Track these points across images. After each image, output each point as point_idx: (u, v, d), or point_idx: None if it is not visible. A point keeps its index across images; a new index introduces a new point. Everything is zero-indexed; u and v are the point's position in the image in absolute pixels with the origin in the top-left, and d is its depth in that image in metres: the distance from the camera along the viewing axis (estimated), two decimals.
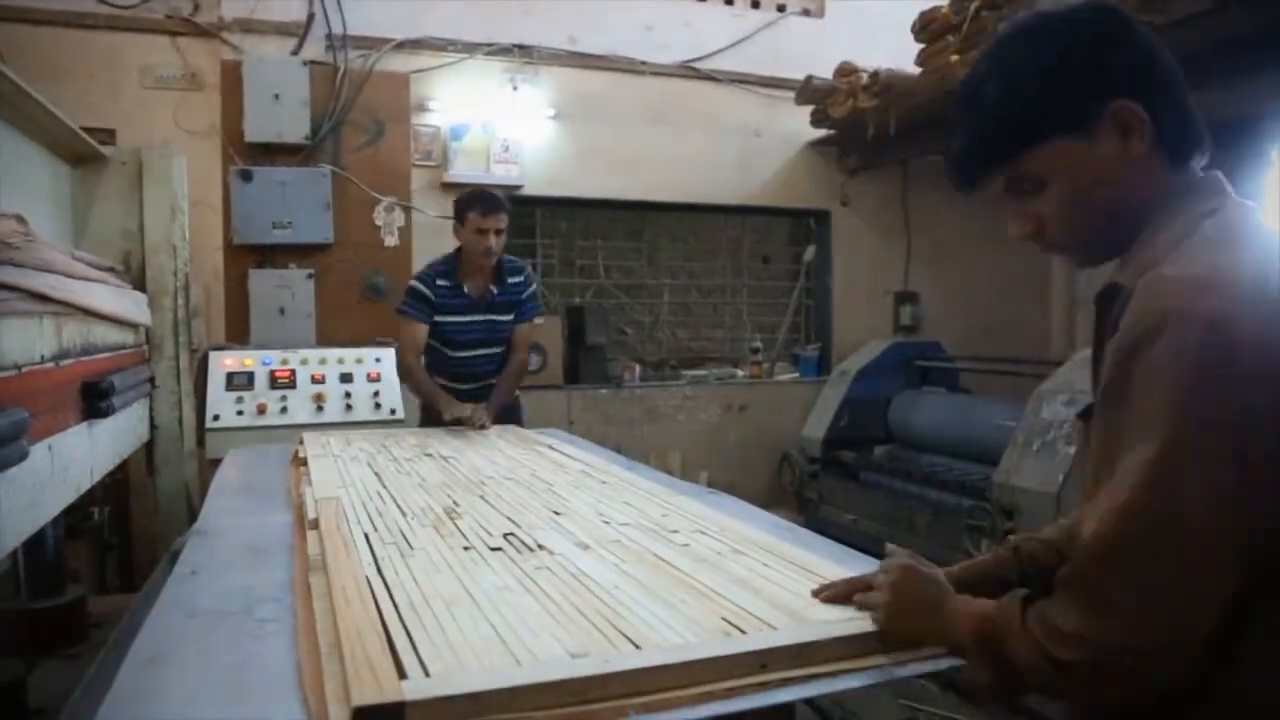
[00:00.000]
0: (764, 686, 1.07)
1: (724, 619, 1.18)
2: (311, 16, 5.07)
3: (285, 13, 5.06)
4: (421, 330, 3.58)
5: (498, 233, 3.46)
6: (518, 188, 5.51)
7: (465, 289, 3.60)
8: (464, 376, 3.69)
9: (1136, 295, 1.00)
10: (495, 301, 3.63)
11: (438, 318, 3.57)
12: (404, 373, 3.79)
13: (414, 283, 3.61)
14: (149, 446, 3.50)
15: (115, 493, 3.84)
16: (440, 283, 3.57)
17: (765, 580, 1.37)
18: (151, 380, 3.35)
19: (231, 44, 4.95)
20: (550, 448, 2.81)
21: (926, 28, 4.91)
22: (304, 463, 2.50)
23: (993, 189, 1.15)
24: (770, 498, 5.47)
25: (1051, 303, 7.31)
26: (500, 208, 3.46)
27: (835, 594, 1.24)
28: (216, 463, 2.96)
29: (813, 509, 5.37)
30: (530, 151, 5.54)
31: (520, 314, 3.70)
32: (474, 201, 3.47)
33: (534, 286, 3.74)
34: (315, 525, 1.71)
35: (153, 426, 3.47)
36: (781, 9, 6.28)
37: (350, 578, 1.35)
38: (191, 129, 4.88)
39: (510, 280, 3.64)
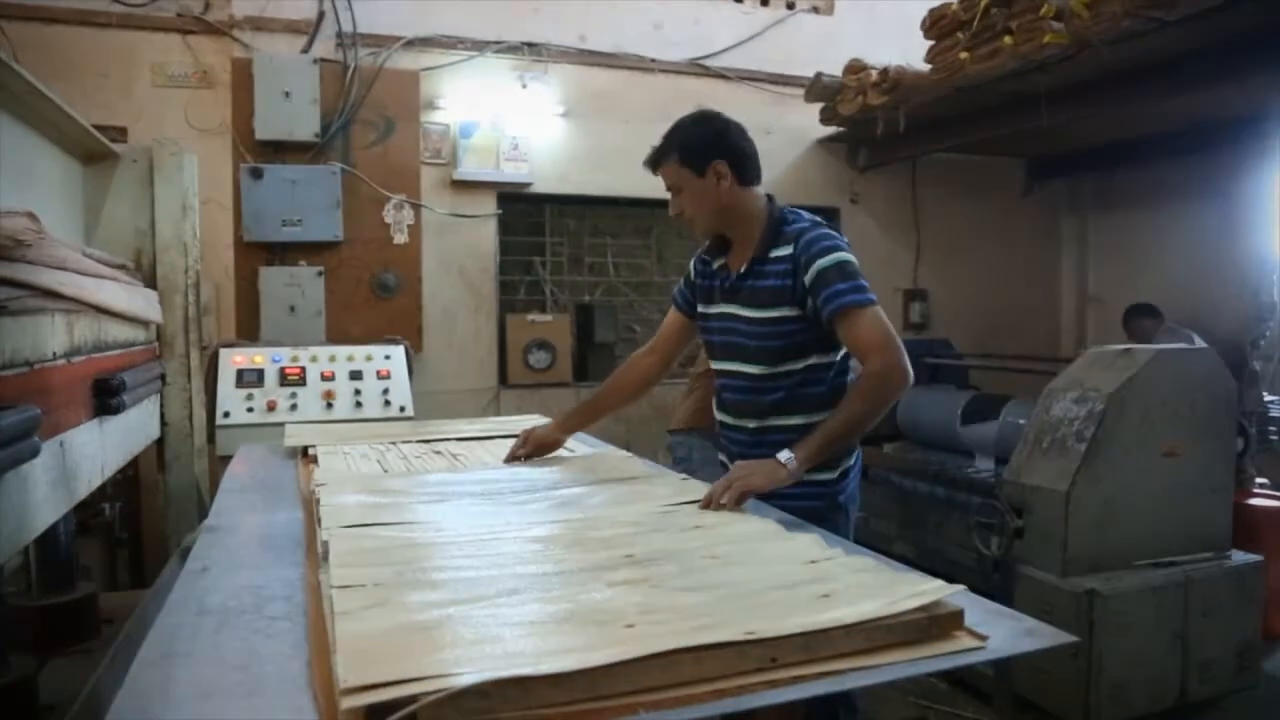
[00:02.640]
0: (774, 684, 1.07)
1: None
2: (322, 15, 5.08)
3: (295, 11, 5.07)
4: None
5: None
6: (527, 185, 5.52)
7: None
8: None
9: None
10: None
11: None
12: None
13: None
14: (159, 443, 3.51)
15: (126, 489, 3.85)
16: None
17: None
18: (162, 377, 3.37)
19: (242, 42, 4.96)
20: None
21: (936, 25, 4.90)
22: (315, 460, 2.51)
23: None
24: None
25: (1061, 300, 7.30)
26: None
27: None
28: (226, 459, 2.97)
29: None
30: (539, 149, 5.54)
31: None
32: None
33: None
34: None
35: (163, 423, 3.48)
36: (791, 6, 6.28)
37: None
38: (202, 127, 4.90)
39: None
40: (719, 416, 2.48)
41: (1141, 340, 5.40)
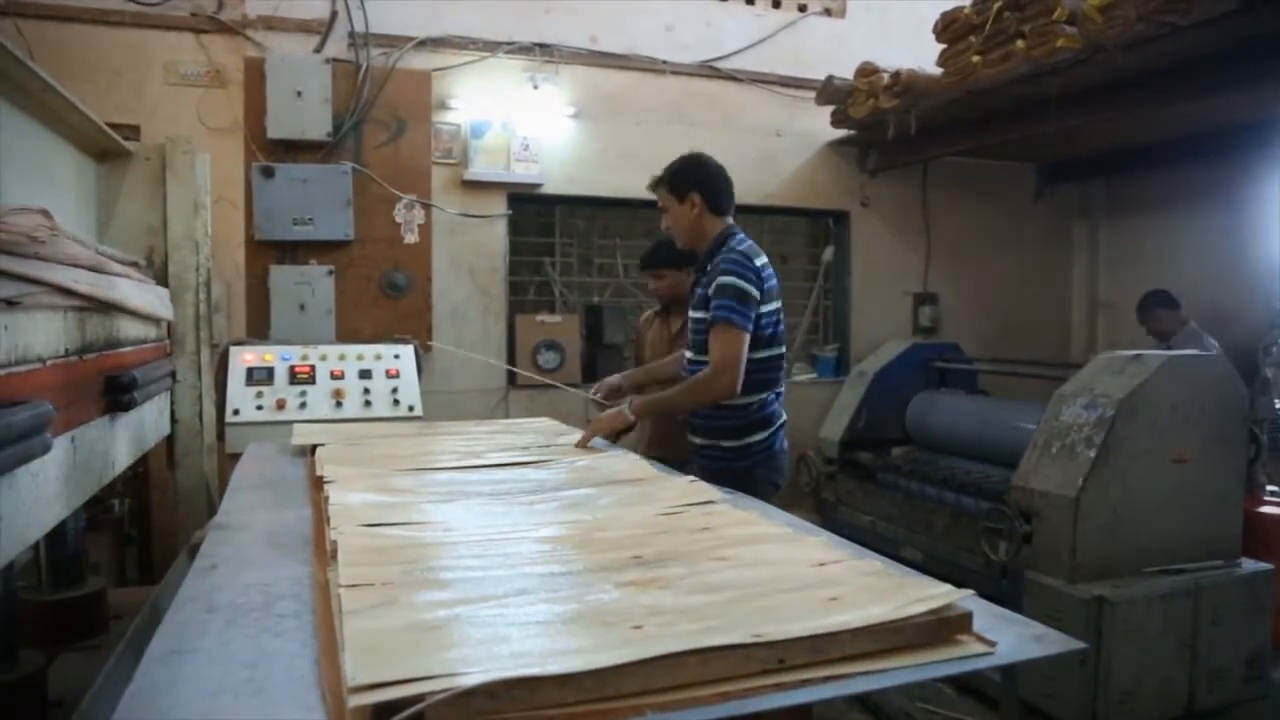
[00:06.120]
0: (781, 687, 1.07)
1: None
2: (334, 14, 5.09)
3: (308, 10, 5.08)
4: None
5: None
6: (537, 186, 5.52)
7: None
8: None
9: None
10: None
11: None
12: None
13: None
14: (169, 440, 3.53)
15: (136, 486, 3.87)
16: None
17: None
18: (173, 375, 3.38)
19: (255, 41, 4.98)
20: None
21: (948, 28, 4.89)
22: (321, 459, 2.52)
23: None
24: (787, 498, 5.43)
25: (1071, 305, 7.28)
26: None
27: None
28: (236, 457, 2.98)
29: (829, 510, 5.35)
30: (550, 150, 5.54)
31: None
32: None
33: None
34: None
35: (173, 420, 3.50)
36: (802, 9, 6.26)
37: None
38: (215, 125, 4.91)
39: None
40: None
41: (1156, 332, 5.38)
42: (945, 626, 1.20)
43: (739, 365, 2.76)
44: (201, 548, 1.68)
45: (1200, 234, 6.25)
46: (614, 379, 3.37)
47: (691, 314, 3.03)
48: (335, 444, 2.72)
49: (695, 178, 2.97)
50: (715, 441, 2.94)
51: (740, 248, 2.86)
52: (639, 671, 1.02)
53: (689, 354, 3.03)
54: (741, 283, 2.77)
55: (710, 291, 2.81)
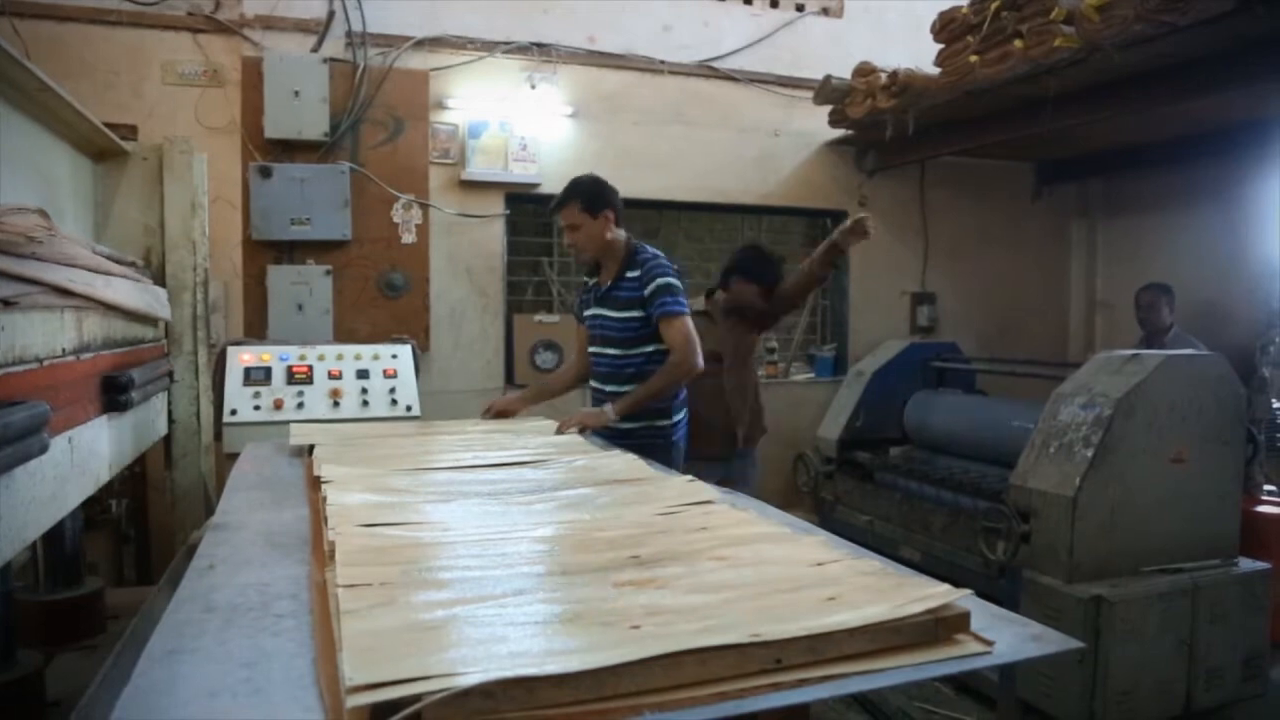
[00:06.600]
0: (779, 687, 1.07)
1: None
2: (332, 14, 5.08)
3: (306, 10, 5.08)
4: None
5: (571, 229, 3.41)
6: (535, 186, 5.52)
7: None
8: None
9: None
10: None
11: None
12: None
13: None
14: (167, 440, 3.52)
15: (133, 486, 3.87)
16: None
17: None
18: (170, 375, 3.37)
19: (252, 41, 4.97)
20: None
21: (946, 28, 4.89)
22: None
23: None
24: (785, 498, 5.45)
25: (1069, 304, 7.28)
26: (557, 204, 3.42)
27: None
28: (233, 457, 2.98)
29: (828, 509, 5.35)
30: (548, 150, 5.54)
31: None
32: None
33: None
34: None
35: (171, 420, 3.50)
36: (800, 8, 6.26)
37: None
38: (212, 125, 4.91)
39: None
40: (593, 384, 3.53)
41: (1145, 320, 5.40)
42: (943, 626, 1.20)
43: (698, 344, 3.25)
44: (199, 548, 1.68)
45: (1199, 233, 6.25)
46: (505, 405, 3.59)
47: (614, 314, 3.36)
48: (333, 444, 2.72)
49: (606, 196, 3.36)
50: (650, 422, 3.31)
51: (657, 254, 3.37)
52: (636, 671, 1.02)
53: (613, 350, 3.38)
54: (674, 280, 3.29)
55: (647, 293, 3.26)
